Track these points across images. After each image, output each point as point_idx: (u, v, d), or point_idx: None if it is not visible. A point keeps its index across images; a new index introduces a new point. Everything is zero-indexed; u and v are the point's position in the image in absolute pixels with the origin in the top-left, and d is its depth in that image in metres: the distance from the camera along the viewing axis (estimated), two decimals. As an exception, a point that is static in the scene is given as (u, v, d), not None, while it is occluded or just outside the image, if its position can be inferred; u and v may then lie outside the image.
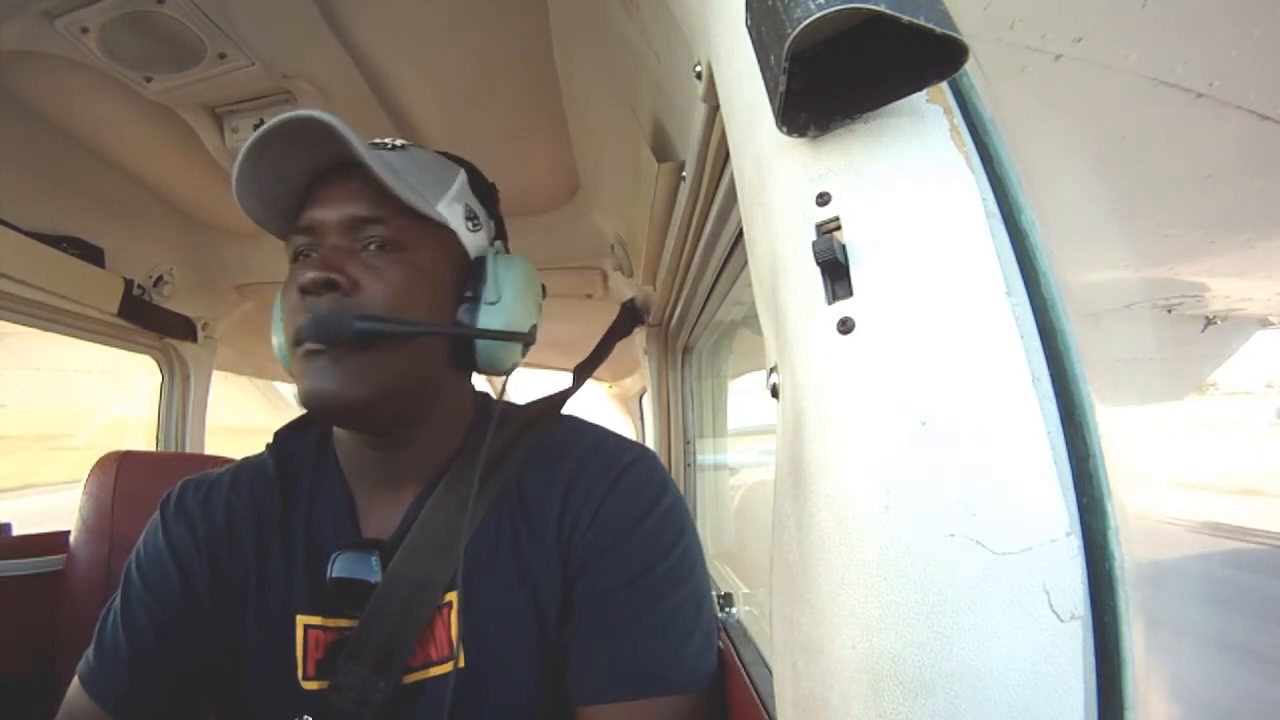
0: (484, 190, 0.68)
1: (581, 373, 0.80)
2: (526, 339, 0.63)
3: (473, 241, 0.63)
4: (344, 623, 0.59)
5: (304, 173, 0.58)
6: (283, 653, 0.59)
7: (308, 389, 0.54)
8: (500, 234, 0.69)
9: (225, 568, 0.62)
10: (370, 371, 0.54)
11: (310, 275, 0.53)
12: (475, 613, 0.57)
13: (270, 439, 0.68)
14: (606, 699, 0.54)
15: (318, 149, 0.56)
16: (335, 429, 0.65)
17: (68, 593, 1.23)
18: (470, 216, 0.63)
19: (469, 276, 0.61)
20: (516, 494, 0.61)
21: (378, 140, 0.63)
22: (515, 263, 0.64)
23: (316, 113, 0.52)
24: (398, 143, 0.64)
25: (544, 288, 0.68)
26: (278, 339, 0.62)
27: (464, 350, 0.60)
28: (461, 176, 0.64)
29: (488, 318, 0.60)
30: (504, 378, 0.65)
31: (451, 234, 0.61)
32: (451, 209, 0.61)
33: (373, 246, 0.57)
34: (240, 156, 0.54)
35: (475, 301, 0.60)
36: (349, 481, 0.64)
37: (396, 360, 0.55)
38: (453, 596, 0.58)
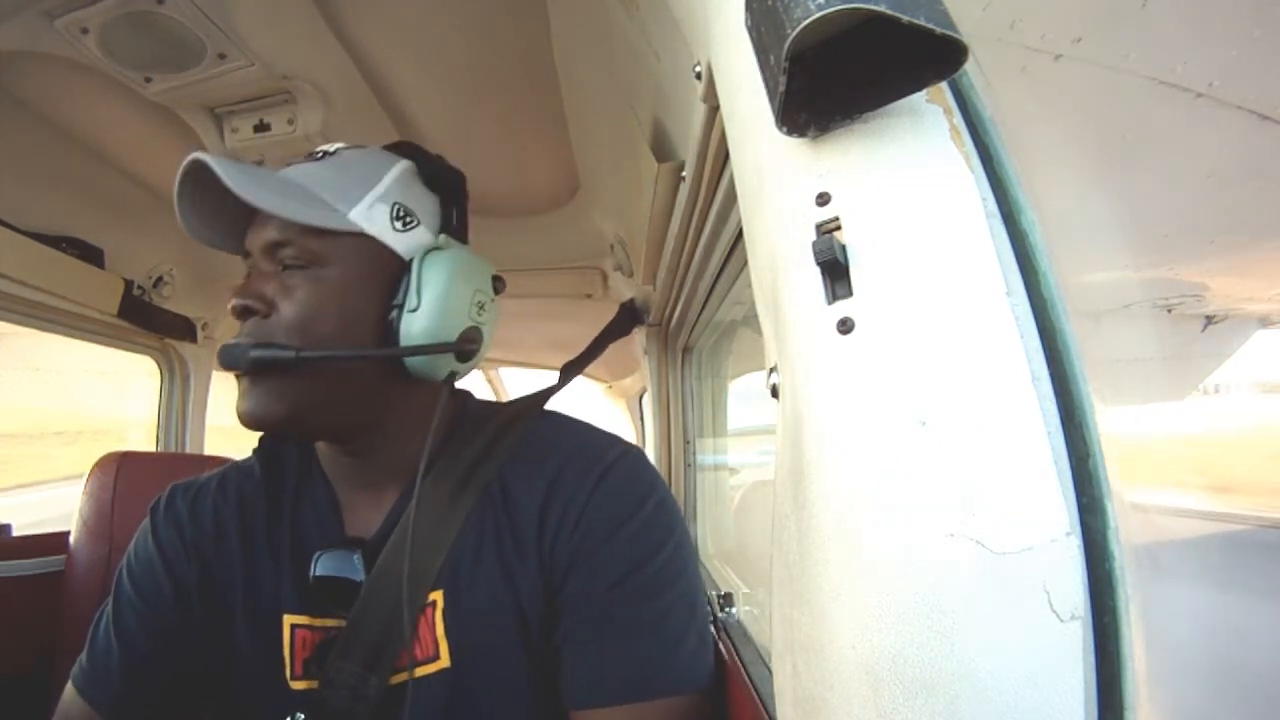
0: (440, 179, 0.63)
1: (569, 371, 0.80)
2: (450, 349, 0.58)
3: (405, 242, 0.59)
4: (331, 622, 0.59)
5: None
6: (272, 653, 0.59)
7: (238, 409, 0.56)
8: (450, 226, 0.63)
9: (214, 570, 0.62)
10: (285, 392, 0.55)
11: (232, 303, 0.56)
12: (459, 613, 0.57)
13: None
14: (602, 702, 0.54)
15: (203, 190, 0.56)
16: None
17: (68, 593, 1.23)
18: (400, 216, 0.59)
19: (384, 283, 0.58)
20: (499, 493, 0.60)
21: (317, 150, 0.62)
22: (440, 261, 0.58)
23: (200, 156, 0.52)
24: (329, 149, 0.62)
25: (497, 282, 0.64)
26: None
27: (395, 362, 0.58)
28: (394, 172, 0.61)
29: (408, 325, 0.57)
30: (447, 386, 0.62)
31: (372, 240, 0.57)
32: (371, 213, 0.58)
33: (286, 267, 0.57)
34: (176, 206, 0.56)
35: (400, 309, 0.57)
36: (332, 483, 0.64)
37: (310, 379, 0.55)
38: (436, 596, 0.58)
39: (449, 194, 0.64)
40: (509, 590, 0.57)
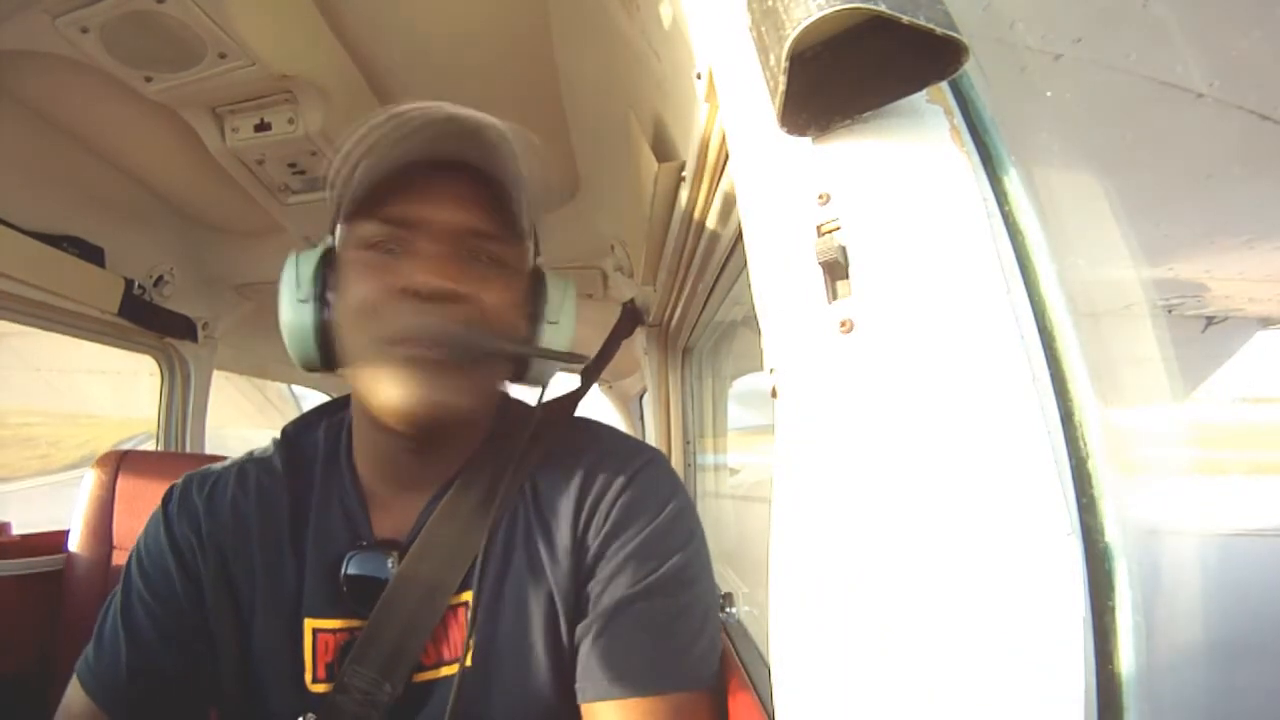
0: (534, 205, 0.67)
1: (589, 375, 0.80)
2: (578, 359, 0.63)
3: (533, 257, 0.64)
4: (355, 623, 0.58)
5: (405, 159, 0.55)
6: (291, 655, 0.58)
7: (407, 397, 0.52)
8: (539, 252, 0.68)
9: (231, 566, 0.61)
10: (473, 385, 0.55)
11: (430, 281, 0.52)
12: (489, 614, 0.57)
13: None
14: (613, 695, 0.54)
15: (442, 145, 0.55)
16: (365, 430, 0.63)
17: (67, 593, 1.23)
18: (532, 234, 0.64)
19: (530, 293, 0.62)
20: (530, 496, 0.61)
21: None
22: (566, 284, 0.64)
23: (490, 122, 0.53)
24: None
25: None
26: (299, 316, 0.56)
27: (522, 365, 0.62)
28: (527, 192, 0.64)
29: (552, 337, 0.61)
30: (543, 391, 0.66)
31: (528, 251, 0.62)
32: (528, 226, 0.61)
33: (480, 258, 0.57)
34: (383, 130, 0.53)
35: (538, 320, 0.61)
36: (365, 481, 0.63)
37: (493, 375, 0.57)
38: (467, 596, 0.57)
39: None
40: (539, 589, 0.57)
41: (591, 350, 0.86)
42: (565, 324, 0.62)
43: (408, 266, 0.53)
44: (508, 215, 0.56)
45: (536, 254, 0.67)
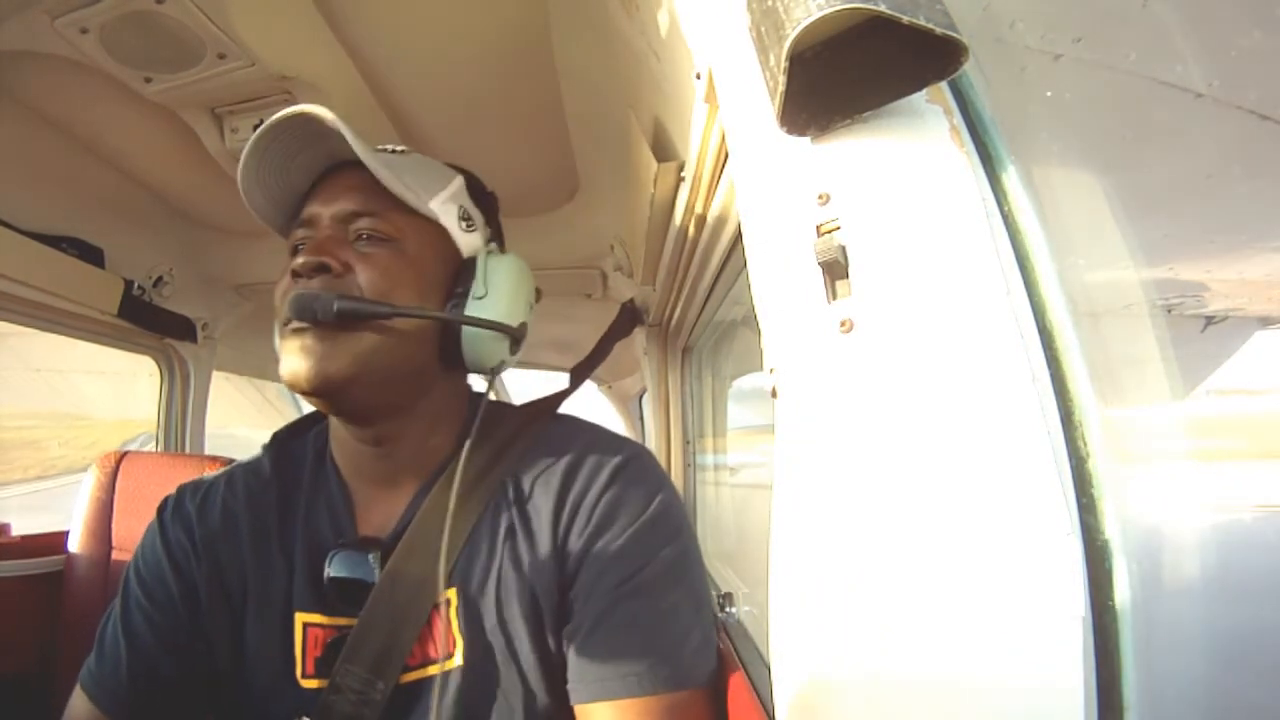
0: (483, 198, 0.69)
1: (579, 374, 0.80)
2: (512, 333, 0.63)
3: (466, 241, 0.64)
4: (343, 621, 0.59)
5: (307, 171, 0.61)
6: (282, 651, 0.59)
7: (290, 366, 0.55)
8: (497, 239, 0.70)
9: (224, 568, 0.62)
10: (350, 350, 0.55)
11: (302, 260, 0.56)
12: (473, 611, 0.58)
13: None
14: (606, 696, 0.54)
15: (318, 146, 0.59)
16: (333, 428, 0.65)
17: (67, 593, 1.23)
18: (464, 218, 0.64)
19: (460, 274, 0.63)
20: (513, 492, 0.61)
21: (381, 146, 0.65)
22: (506, 261, 0.65)
23: (314, 108, 0.55)
24: (399, 148, 0.66)
25: (538, 291, 0.69)
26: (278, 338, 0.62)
27: (451, 344, 0.61)
28: (459, 181, 0.66)
29: (474, 311, 0.61)
30: (492, 377, 0.66)
31: (443, 231, 0.62)
32: (445, 208, 0.62)
33: (364, 237, 0.59)
34: (244, 154, 0.57)
35: (463, 296, 0.61)
36: (347, 480, 0.64)
37: (379, 343, 0.56)
38: (451, 594, 0.58)
39: (491, 211, 0.70)
40: (523, 587, 0.58)
41: (588, 351, 0.86)
42: (496, 297, 0.62)
43: (299, 255, 0.58)
44: (382, 192, 0.58)
45: (494, 238, 0.69)
